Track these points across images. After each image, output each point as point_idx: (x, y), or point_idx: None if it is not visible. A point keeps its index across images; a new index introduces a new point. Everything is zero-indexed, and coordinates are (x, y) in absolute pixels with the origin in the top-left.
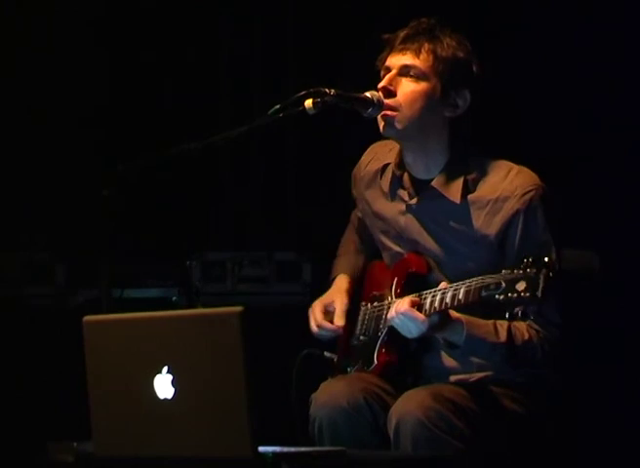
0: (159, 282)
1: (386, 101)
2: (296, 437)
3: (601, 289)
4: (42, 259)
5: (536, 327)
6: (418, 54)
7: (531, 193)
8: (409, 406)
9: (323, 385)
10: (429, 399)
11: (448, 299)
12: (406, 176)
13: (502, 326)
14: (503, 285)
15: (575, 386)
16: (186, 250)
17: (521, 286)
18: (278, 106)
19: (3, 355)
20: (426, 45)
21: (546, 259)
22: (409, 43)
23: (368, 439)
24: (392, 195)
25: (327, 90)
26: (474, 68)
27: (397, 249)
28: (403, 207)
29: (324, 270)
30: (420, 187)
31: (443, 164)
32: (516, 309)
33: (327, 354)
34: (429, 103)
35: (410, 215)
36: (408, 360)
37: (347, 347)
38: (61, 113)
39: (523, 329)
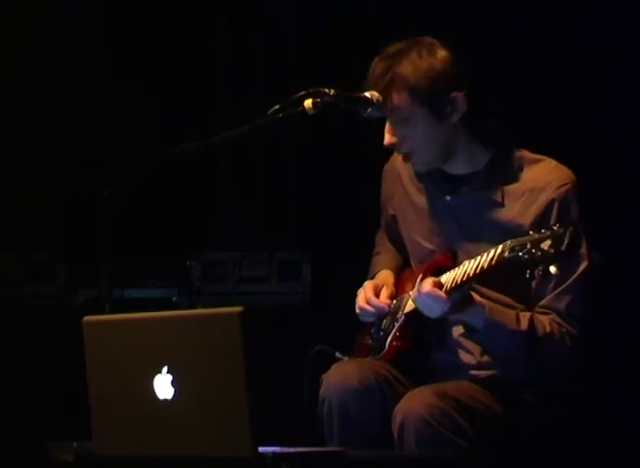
0: (159, 282)
1: (399, 153)
2: (302, 434)
3: (602, 288)
4: (42, 259)
5: (559, 321)
6: (390, 98)
7: (567, 186)
8: (413, 404)
9: (334, 366)
10: (433, 397)
11: (470, 270)
12: (440, 171)
13: (525, 316)
14: (528, 245)
15: (578, 386)
16: (187, 249)
17: (546, 244)
18: (278, 106)
19: (3, 355)
20: (391, 86)
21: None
22: (376, 90)
23: (376, 422)
24: (427, 191)
25: (326, 90)
26: (453, 70)
27: (428, 245)
28: (437, 200)
29: (325, 270)
30: (455, 181)
31: (478, 160)
32: (539, 266)
33: (338, 355)
34: (431, 131)
35: (444, 209)
36: (421, 349)
37: (362, 346)
38: (62, 113)
39: (545, 321)
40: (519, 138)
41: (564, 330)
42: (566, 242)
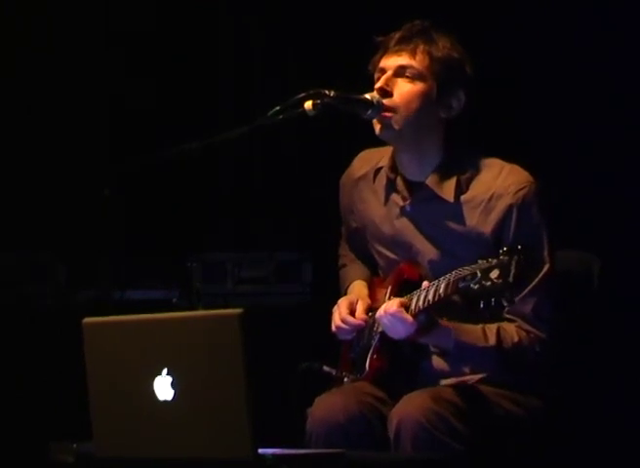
0: (159, 283)
1: (383, 102)
2: (295, 440)
3: (601, 292)
4: (42, 259)
5: (526, 327)
6: (413, 55)
7: (524, 190)
8: (409, 408)
9: (318, 400)
10: (429, 401)
11: (430, 296)
12: (399, 180)
13: (491, 330)
14: (479, 274)
15: (574, 390)
16: (187, 251)
17: (494, 274)
18: (278, 108)
19: (3, 355)
20: (422, 46)
21: (519, 247)
22: (404, 44)
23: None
24: (386, 200)
25: (327, 91)
26: (468, 69)
27: (392, 256)
28: (397, 211)
29: (324, 270)
30: (414, 189)
31: (436, 164)
32: (491, 298)
33: (325, 368)
34: (426, 104)
35: (404, 219)
36: (400, 365)
37: (347, 359)
38: (63, 113)
39: (512, 331)
40: (516, 141)
41: (532, 335)
42: (512, 272)
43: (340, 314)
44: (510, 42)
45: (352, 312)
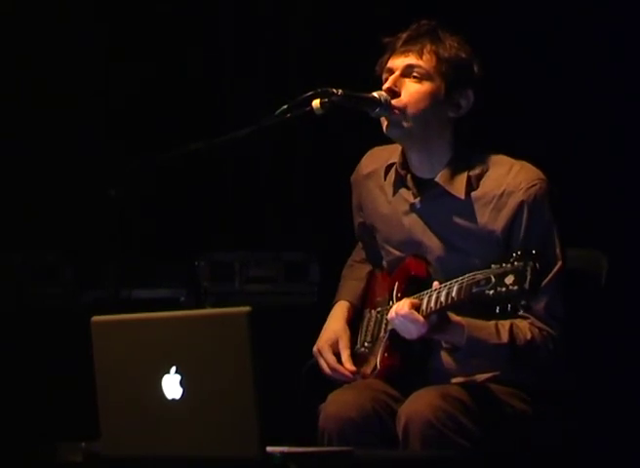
0: (167, 282)
1: (392, 103)
2: (310, 434)
3: (608, 289)
4: (50, 260)
5: (539, 325)
6: (420, 54)
7: (535, 187)
8: (417, 406)
9: (331, 396)
10: (438, 399)
11: (442, 298)
12: (409, 177)
13: (504, 326)
14: (493, 279)
15: (582, 388)
16: (194, 250)
17: (509, 279)
18: (285, 107)
19: (11, 355)
20: (429, 46)
21: (534, 251)
22: (411, 44)
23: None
24: (395, 196)
25: (334, 90)
26: (476, 69)
27: (399, 253)
28: (407, 207)
29: (331, 270)
30: (424, 186)
31: (446, 162)
32: (507, 304)
33: None
34: (433, 103)
35: (414, 215)
36: (411, 362)
37: (355, 355)
38: (68, 114)
39: (525, 328)
40: (524, 139)
41: (545, 333)
42: (528, 278)
43: (328, 363)
44: (513, 41)
45: (335, 352)
